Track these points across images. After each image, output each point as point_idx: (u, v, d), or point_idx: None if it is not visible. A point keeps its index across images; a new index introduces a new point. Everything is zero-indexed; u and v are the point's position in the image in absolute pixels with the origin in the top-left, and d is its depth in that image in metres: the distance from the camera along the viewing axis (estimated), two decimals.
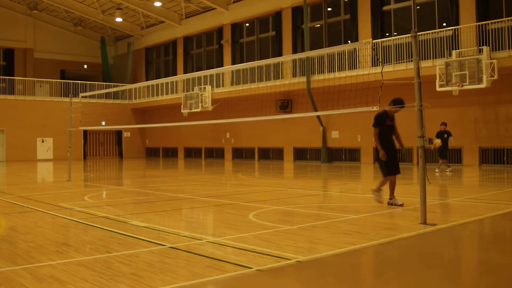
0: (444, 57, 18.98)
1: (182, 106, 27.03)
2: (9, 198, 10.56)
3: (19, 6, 35.17)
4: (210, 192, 11.83)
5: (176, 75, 32.51)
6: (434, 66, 18.41)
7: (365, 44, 7.81)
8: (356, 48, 21.50)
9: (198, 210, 9.05)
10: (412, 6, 20.75)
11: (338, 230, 6.48)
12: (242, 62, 28.52)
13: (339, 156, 24.45)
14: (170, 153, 35.02)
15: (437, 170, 16.95)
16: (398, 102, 8.22)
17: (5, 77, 32.18)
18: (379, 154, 8.46)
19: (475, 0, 19.23)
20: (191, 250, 5.47)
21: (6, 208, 9.06)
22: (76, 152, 32.05)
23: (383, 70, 7.50)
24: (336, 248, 5.41)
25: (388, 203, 8.53)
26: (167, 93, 32.42)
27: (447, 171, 16.88)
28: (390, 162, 8.49)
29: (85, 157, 33.73)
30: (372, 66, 20.13)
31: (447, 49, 19.30)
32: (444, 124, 16.95)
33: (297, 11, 25.88)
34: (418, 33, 7.31)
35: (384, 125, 8.50)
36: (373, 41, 20.85)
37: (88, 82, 33.39)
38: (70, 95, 16.58)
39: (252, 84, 26.13)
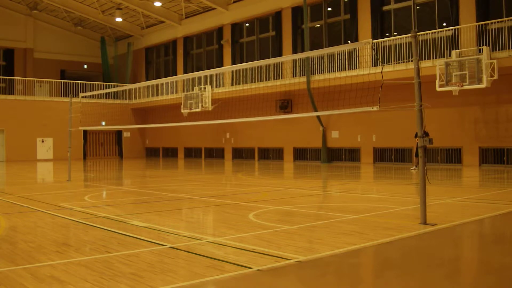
0: (444, 57, 18.97)
1: (182, 106, 27.03)
2: (9, 198, 10.55)
3: (19, 6, 35.16)
4: (210, 192, 11.82)
5: (176, 75, 32.50)
6: (434, 66, 18.40)
7: (365, 44, 7.81)
8: (356, 48, 21.50)
9: (198, 210, 9.04)
10: (412, 6, 20.94)
11: (338, 230, 6.48)
12: (242, 62, 28.51)
13: (339, 156, 24.44)
14: (170, 153, 35.00)
15: (412, 168, 18.47)
16: None
17: (5, 77, 32.17)
18: None
19: (475, 0, 19.22)
20: (191, 250, 5.47)
21: (6, 208, 9.06)
22: (76, 152, 32.05)
23: (383, 70, 7.51)
24: (336, 248, 5.41)
25: None
26: (167, 93, 32.41)
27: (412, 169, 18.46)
28: None
29: (85, 157, 33.72)
30: (372, 66, 20.12)
31: (447, 49, 19.30)
32: None
33: (297, 11, 25.87)
34: (418, 33, 7.32)
35: None
36: (373, 41, 20.85)
37: (88, 82, 33.38)
38: (70, 95, 16.57)
39: (252, 84, 26.12)
